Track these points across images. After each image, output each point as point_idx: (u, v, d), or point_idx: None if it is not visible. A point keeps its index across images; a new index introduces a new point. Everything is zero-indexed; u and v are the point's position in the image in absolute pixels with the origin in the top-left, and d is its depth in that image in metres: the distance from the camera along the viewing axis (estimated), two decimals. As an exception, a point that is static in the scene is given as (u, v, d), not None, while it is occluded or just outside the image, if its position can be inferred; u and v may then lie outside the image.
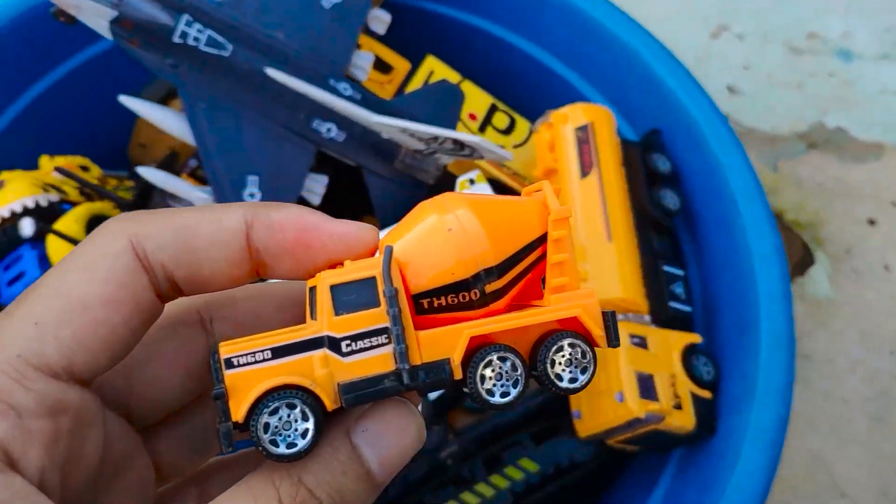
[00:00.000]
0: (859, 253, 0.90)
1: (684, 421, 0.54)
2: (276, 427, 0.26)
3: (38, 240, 0.68)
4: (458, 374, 0.27)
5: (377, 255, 0.29)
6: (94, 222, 0.68)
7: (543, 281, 0.29)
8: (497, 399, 0.27)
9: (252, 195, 0.61)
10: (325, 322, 0.27)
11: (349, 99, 0.63)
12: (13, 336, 0.26)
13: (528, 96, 0.75)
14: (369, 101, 0.65)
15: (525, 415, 0.63)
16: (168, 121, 0.62)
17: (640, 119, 0.71)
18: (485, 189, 0.62)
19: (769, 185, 0.96)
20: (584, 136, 0.64)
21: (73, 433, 0.26)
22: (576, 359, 0.28)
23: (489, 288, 0.28)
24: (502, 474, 0.61)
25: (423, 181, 0.67)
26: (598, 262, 0.59)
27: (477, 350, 0.27)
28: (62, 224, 0.66)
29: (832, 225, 0.92)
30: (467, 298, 0.28)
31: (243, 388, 0.26)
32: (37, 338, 0.26)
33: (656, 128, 0.68)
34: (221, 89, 0.62)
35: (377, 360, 0.27)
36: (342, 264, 0.28)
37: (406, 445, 0.27)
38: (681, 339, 0.58)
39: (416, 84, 0.73)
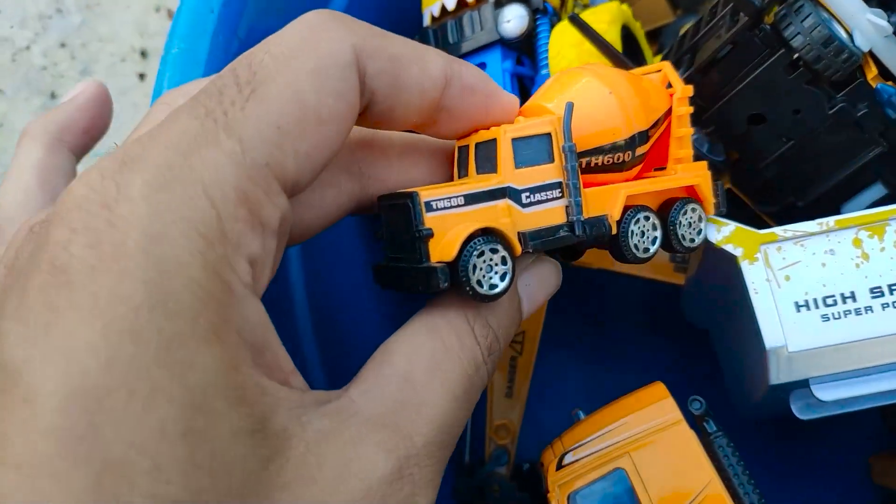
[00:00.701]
0: None
1: None
2: (481, 269, 0.27)
3: (513, 45, 0.46)
4: (615, 230, 0.30)
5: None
6: (626, 32, 0.45)
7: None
8: (641, 254, 0.31)
9: None
10: (507, 174, 0.28)
11: None
12: (255, 137, 0.23)
13: None
14: None
15: None
16: None
17: None
18: None
19: None
20: None
21: (280, 249, 0.26)
22: (694, 222, 0.33)
23: (639, 150, 0.31)
24: None
25: None
26: None
27: (627, 210, 0.30)
28: (592, 17, 0.43)
29: None
30: (621, 160, 0.30)
31: (441, 230, 0.27)
32: (279, 146, 0.23)
33: None
34: None
35: (550, 213, 0.29)
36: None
37: (548, 296, 0.31)
38: None
39: None
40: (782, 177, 0.41)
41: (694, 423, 0.36)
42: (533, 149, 0.29)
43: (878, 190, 0.40)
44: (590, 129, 0.30)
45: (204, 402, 0.21)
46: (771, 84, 0.38)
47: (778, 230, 0.36)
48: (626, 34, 0.45)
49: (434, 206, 0.27)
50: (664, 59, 0.44)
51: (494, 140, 0.29)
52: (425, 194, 0.27)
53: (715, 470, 0.35)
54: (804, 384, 0.36)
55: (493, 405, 0.48)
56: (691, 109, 0.33)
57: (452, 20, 0.47)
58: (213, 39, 0.42)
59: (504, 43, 0.45)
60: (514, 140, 0.28)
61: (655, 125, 0.32)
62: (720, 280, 0.39)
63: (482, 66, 0.45)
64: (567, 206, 0.29)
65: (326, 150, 0.25)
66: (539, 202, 0.29)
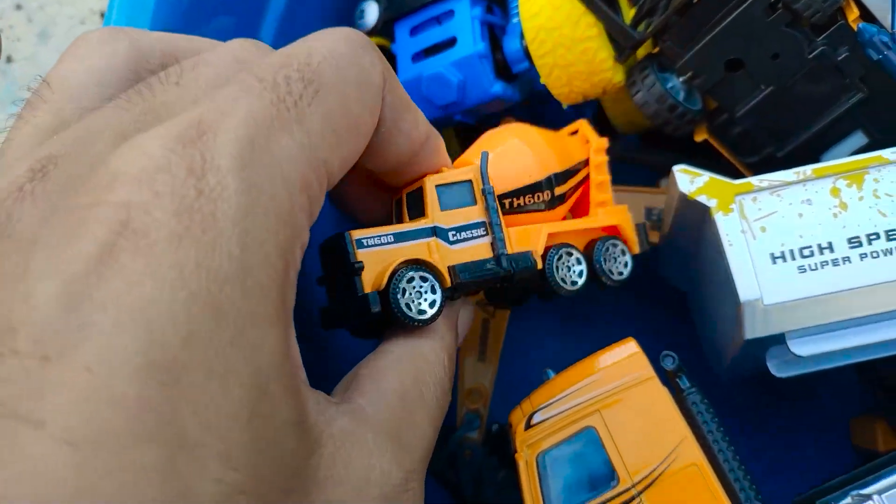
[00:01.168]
0: None
1: None
2: (410, 297, 0.30)
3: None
4: (540, 265, 0.34)
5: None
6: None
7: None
8: (568, 286, 0.35)
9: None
10: (433, 215, 0.32)
11: None
12: (319, 134, 0.24)
13: None
14: None
15: None
16: None
17: None
18: None
19: None
20: None
21: None
22: (619, 256, 0.37)
23: (557, 191, 0.35)
24: None
25: None
26: None
27: (550, 248, 0.35)
28: None
29: None
30: (541, 199, 0.35)
31: (373, 264, 0.30)
32: (332, 148, 0.25)
33: None
34: None
35: (477, 248, 0.33)
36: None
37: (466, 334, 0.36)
38: None
39: None
40: (760, 125, 0.39)
41: (667, 379, 0.35)
42: (456, 194, 0.33)
43: (858, 138, 0.38)
44: (509, 174, 0.34)
45: (268, 387, 0.21)
46: (749, 27, 0.37)
47: (754, 180, 0.35)
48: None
49: (365, 243, 0.31)
50: (640, 7, 0.42)
51: (421, 188, 0.32)
52: (356, 233, 0.31)
53: (689, 427, 0.33)
54: (780, 339, 0.35)
55: (464, 369, 0.46)
56: (607, 158, 0.38)
57: (419, -33, 0.45)
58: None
59: (472, -11, 0.43)
60: (437, 186, 0.32)
61: (573, 171, 0.37)
62: (694, 233, 0.38)
63: (450, 13, 0.43)
64: (492, 243, 0.33)
65: (353, 160, 0.27)
66: (465, 239, 0.32)
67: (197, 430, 0.19)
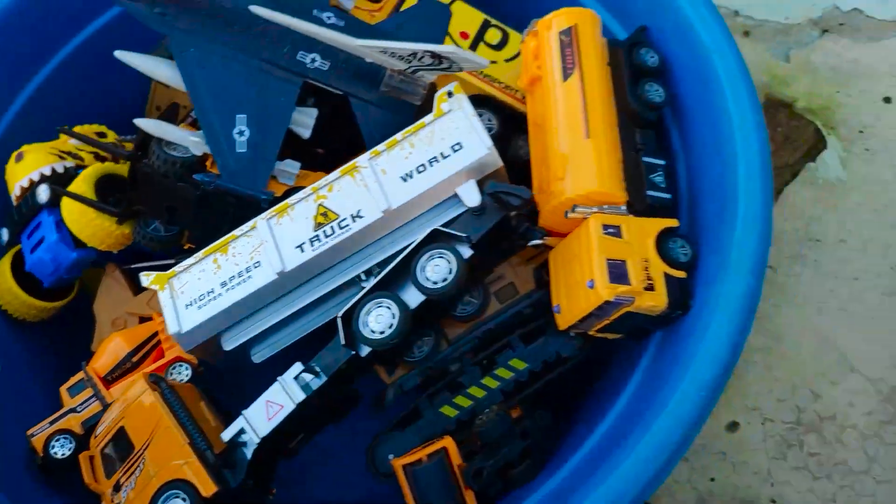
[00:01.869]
0: (873, 132, 0.87)
1: (656, 301, 0.56)
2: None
3: (55, 205, 0.73)
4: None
5: None
6: (103, 182, 0.73)
7: None
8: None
9: (241, 132, 0.65)
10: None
11: (332, 27, 0.66)
12: None
13: (522, 9, 0.74)
14: (354, 27, 0.67)
15: (515, 318, 0.66)
16: (161, 70, 0.66)
17: (630, 17, 0.72)
18: (463, 101, 0.64)
19: (781, 75, 0.95)
20: (568, 40, 0.66)
21: None
22: (182, 372, 0.72)
23: (135, 358, 0.74)
24: (493, 376, 0.64)
25: (411, 102, 0.70)
26: (577, 160, 0.61)
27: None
28: (74, 186, 0.71)
29: (846, 108, 0.90)
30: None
31: None
32: None
33: (644, 25, 0.69)
34: (208, 33, 0.66)
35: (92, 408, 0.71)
36: None
37: None
38: (656, 225, 0.59)
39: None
40: (203, 229, 0.68)
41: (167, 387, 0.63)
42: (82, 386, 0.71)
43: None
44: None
45: None
46: (158, 188, 0.67)
47: (176, 268, 0.64)
48: (110, 180, 0.74)
49: None
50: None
51: None
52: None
53: (167, 411, 0.61)
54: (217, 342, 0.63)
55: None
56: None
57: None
58: None
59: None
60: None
61: (122, 363, 0.72)
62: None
63: (39, 223, 0.74)
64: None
65: None
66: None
67: None
